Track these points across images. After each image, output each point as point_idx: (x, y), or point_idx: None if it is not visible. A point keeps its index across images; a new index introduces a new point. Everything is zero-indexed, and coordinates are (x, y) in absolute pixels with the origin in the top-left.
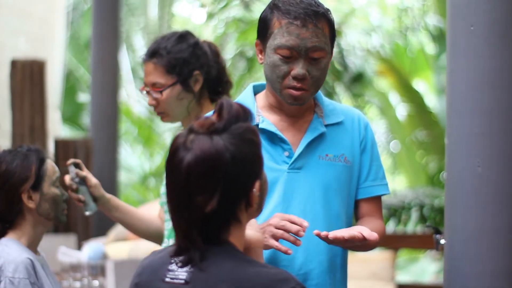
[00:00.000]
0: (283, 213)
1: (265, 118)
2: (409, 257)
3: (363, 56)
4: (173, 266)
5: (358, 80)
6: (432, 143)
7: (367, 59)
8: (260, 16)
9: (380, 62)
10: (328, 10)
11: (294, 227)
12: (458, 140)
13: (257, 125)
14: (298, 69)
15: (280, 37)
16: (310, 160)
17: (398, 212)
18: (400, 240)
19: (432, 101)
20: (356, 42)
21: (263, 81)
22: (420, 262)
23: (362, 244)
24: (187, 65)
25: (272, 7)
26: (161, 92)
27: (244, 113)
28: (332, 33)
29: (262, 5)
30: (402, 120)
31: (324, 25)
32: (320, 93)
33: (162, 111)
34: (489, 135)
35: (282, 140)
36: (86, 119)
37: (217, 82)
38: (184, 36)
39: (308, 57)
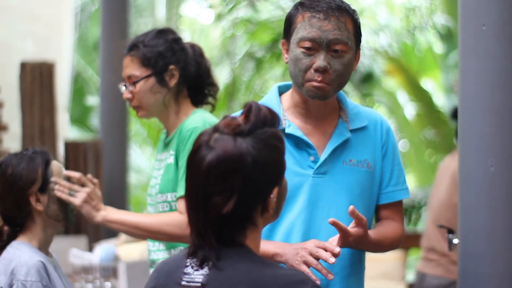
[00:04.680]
0: (319, 241)
1: (291, 123)
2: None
3: (371, 55)
4: (188, 269)
5: (367, 80)
6: (440, 142)
7: (375, 58)
8: (286, 16)
9: (388, 61)
10: (354, 10)
11: (324, 255)
12: (470, 140)
13: (284, 129)
14: (320, 61)
15: (303, 30)
16: (334, 165)
17: (408, 211)
18: (411, 240)
19: (441, 100)
20: (364, 42)
21: (271, 82)
22: None
23: (376, 244)
24: (162, 58)
25: (297, 5)
26: (134, 83)
27: (272, 118)
28: (356, 31)
29: (270, 5)
30: (410, 119)
31: (347, 20)
32: (344, 95)
33: (136, 105)
34: (502, 134)
35: (308, 145)
36: (94, 120)
37: (198, 82)
38: (163, 32)
39: (330, 49)
